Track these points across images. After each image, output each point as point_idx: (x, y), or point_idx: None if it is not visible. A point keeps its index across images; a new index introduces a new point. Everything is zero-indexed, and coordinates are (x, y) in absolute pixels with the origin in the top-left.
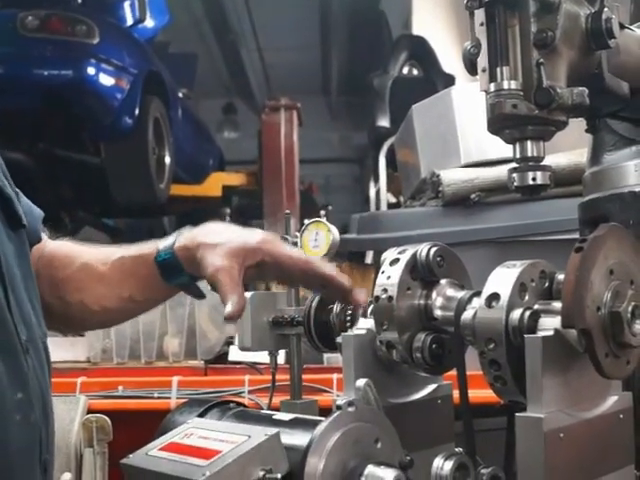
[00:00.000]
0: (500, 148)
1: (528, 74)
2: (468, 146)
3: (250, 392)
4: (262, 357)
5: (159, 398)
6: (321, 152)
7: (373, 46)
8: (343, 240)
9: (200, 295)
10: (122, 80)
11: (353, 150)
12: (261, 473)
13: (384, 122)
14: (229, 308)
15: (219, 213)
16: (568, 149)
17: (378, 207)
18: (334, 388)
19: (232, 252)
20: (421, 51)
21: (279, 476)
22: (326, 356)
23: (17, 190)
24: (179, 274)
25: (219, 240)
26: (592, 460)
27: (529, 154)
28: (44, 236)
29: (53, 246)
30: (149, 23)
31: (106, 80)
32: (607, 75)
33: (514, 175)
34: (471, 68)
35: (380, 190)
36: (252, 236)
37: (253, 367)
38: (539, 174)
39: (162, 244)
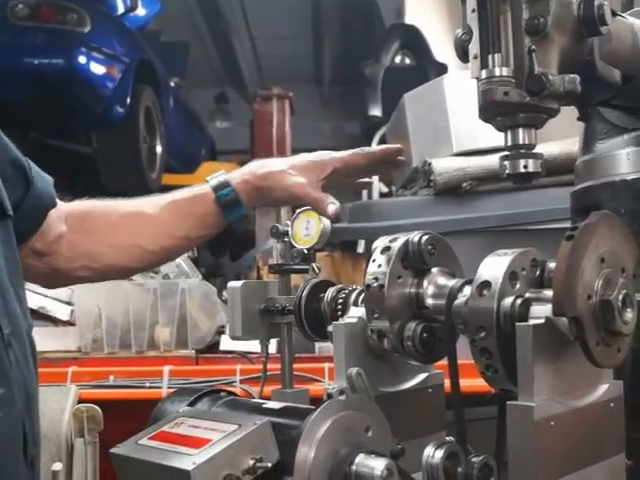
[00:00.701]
0: (492, 136)
1: (520, 61)
2: (460, 135)
3: (242, 381)
4: (254, 346)
5: (150, 388)
6: (313, 141)
7: (366, 35)
8: (335, 229)
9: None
10: (113, 69)
11: (345, 139)
12: (251, 462)
13: (376, 111)
14: (331, 208)
15: None
16: (560, 138)
17: (370, 196)
18: (326, 377)
19: (306, 169)
20: (413, 40)
21: (269, 465)
22: (318, 345)
23: (26, 158)
24: (238, 209)
25: (283, 166)
26: (583, 448)
27: (521, 142)
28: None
29: (79, 203)
30: (140, 12)
31: (97, 69)
32: (599, 62)
33: (505, 163)
34: (463, 55)
35: (372, 179)
36: (311, 155)
37: (244, 356)
38: (530, 162)
39: (213, 182)
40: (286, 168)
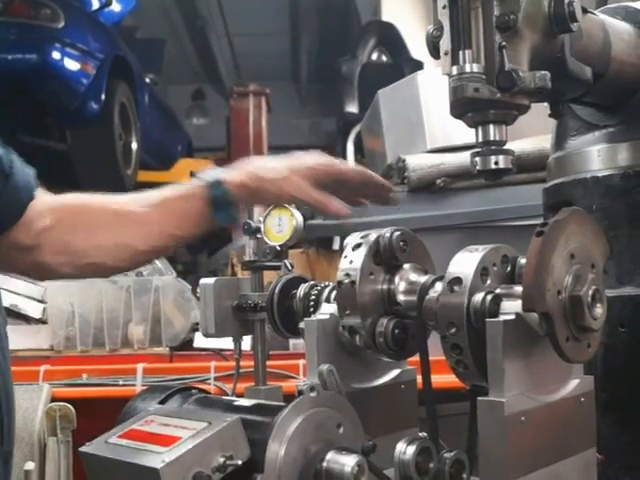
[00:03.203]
0: (466, 133)
1: (490, 57)
2: (434, 131)
3: (216, 379)
4: (228, 343)
5: (124, 386)
6: (291, 138)
7: (342, 32)
8: (310, 226)
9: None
10: (88, 65)
11: (322, 136)
12: (221, 459)
13: (352, 108)
14: (335, 205)
15: None
16: (534, 135)
17: None
18: (300, 374)
19: (304, 174)
20: (390, 37)
21: (240, 462)
22: (292, 342)
23: (7, 150)
24: (231, 210)
25: (280, 169)
26: (554, 443)
27: (491, 138)
28: (41, 191)
29: (72, 197)
30: (115, 7)
31: (71, 65)
32: (570, 59)
33: (476, 159)
34: (434, 51)
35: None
36: (309, 160)
37: (219, 354)
38: (501, 158)
39: (207, 179)
40: (284, 171)
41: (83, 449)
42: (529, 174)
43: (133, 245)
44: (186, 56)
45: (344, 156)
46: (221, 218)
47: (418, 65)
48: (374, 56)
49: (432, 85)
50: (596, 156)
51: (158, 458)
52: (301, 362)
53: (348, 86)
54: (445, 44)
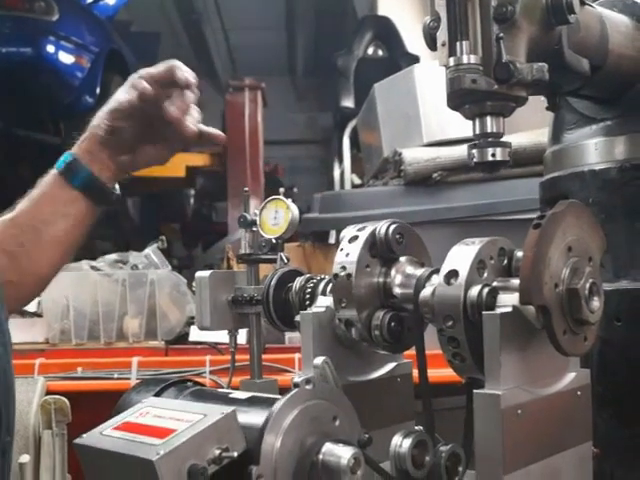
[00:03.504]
0: (462, 127)
1: (488, 49)
2: (430, 125)
3: (211, 372)
4: (224, 337)
5: (119, 379)
6: (287, 133)
7: (339, 27)
8: (306, 219)
9: (109, 197)
10: (82, 58)
11: (319, 131)
12: (217, 452)
13: (348, 102)
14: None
15: (183, 194)
16: (531, 129)
17: (342, 188)
18: (296, 368)
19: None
20: (386, 31)
21: (235, 454)
22: (288, 335)
23: None
24: (80, 171)
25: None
26: (550, 437)
27: (489, 130)
28: None
29: None
30: (110, 1)
31: (66, 58)
32: (567, 51)
33: (474, 151)
34: (431, 43)
35: (344, 171)
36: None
37: (214, 347)
38: (498, 150)
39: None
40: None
41: (77, 441)
42: (526, 168)
43: (17, 255)
44: (181, 50)
45: (340, 150)
46: (76, 182)
47: (414, 59)
48: (370, 50)
49: (428, 78)
50: (593, 149)
51: (153, 450)
52: (297, 356)
53: (344, 80)
54: (442, 35)
